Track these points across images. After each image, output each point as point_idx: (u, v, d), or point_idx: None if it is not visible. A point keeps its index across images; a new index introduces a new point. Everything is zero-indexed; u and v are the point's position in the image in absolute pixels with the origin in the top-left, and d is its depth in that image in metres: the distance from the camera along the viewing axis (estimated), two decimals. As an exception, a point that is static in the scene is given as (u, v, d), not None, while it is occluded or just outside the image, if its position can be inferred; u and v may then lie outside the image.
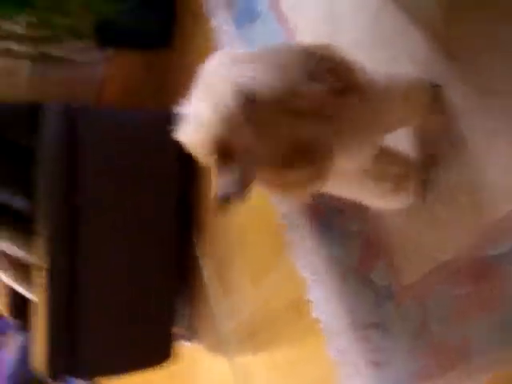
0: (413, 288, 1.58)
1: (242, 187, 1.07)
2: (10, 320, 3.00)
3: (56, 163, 2.27)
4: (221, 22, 2.54)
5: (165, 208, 2.48)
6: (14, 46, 2.61)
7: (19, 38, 2.56)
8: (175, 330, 2.57)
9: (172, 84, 2.89)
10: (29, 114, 2.26)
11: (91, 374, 2.56)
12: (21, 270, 2.57)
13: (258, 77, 1.11)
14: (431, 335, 1.52)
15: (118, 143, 2.37)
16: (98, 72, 3.28)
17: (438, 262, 1.52)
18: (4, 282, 2.74)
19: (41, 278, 2.33)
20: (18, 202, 2.39)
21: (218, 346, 2.46)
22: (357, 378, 1.77)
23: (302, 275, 1.99)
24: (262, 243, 2.21)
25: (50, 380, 2.43)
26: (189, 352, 2.65)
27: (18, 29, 2.48)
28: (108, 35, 2.84)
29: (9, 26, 2.45)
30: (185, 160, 2.50)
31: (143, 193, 2.44)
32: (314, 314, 1.93)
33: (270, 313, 2.15)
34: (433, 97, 1.50)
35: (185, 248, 2.59)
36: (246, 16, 2.40)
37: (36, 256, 2.37)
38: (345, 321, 1.82)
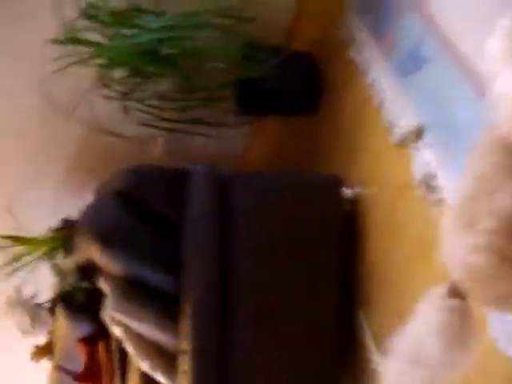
0: None
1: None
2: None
3: (206, 235, 2.04)
4: (378, 76, 2.29)
5: (325, 281, 2.18)
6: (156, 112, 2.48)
7: (162, 100, 2.43)
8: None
9: (320, 150, 2.65)
10: (173, 181, 2.07)
11: None
12: (161, 357, 2.32)
13: None
14: None
15: (274, 211, 2.11)
16: (240, 141, 3.10)
17: None
18: (139, 373, 2.49)
19: (185, 363, 2.07)
20: (162, 281, 2.17)
21: None
22: None
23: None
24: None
25: None
26: None
27: (162, 91, 2.37)
28: (249, 100, 2.68)
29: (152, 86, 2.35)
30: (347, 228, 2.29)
31: (300, 269, 2.15)
32: None
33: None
34: None
35: (348, 327, 2.26)
36: (409, 64, 2.14)
37: (180, 339, 2.12)
38: None
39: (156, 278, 2.20)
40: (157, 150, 2.74)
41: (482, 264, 1.02)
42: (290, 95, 2.74)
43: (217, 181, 2.08)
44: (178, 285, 2.17)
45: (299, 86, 2.70)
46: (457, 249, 1.07)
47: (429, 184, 1.90)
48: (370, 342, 2.20)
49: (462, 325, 1.14)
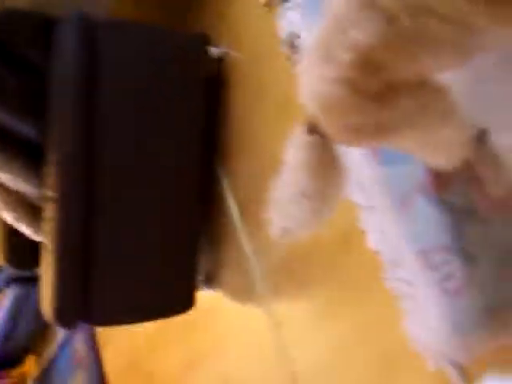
0: (503, 202, 1.39)
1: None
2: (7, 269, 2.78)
3: (73, 83, 2.03)
4: None
5: (188, 137, 2.25)
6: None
7: None
8: (198, 275, 2.36)
9: (190, 6, 2.63)
10: (42, 28, 2.02)
11: (105, 320, 2.33)
12: (26, 207, 2.34)
13: None
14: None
15: (143, 63, 2.13)
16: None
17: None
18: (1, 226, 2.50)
19: (50, 210, 2.10)
20: (26, 129, 2.16)
21: (248, 291, 2.25)
22: (425, 313, 1.57)
23: (351, 200, 1.77)
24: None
25: (58, 324, 2.20)
26: (212, 299, 2.44)
27: None
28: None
29: None
30: (213, 86, 2.35)
31: (166, 120, 2.20)
32: (367, 245, 1.73)
33: (312, 247, 1.94)
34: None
35: (209, 183, 2.36)
36: None
37: (46, 188, 2.14)
38: (410, 247, 1.61)
39: (22, 128, 2.18)
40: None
41: (334, 94, 1.09)
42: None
43: (86, 29, 2.06)
44: (44, 136, 2.17)
45: None
46: (312, 81, 1.14)
47: (293, 43, 1.98)
48: (232, 204, 2.33)
49: (323, 159, 1.23)
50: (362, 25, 1.06)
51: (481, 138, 1.40)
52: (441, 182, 1.50)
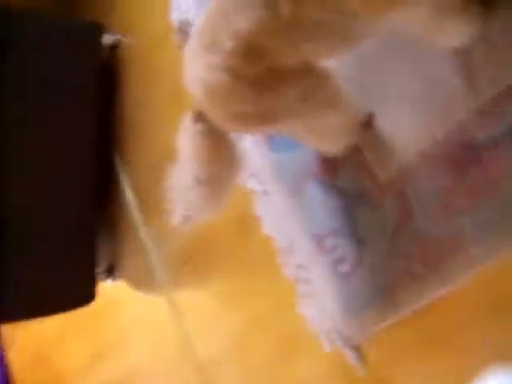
0: (392, 184, 1.42)
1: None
2: None
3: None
4: None
5: (83, 127, 2.20)
6: None
7: None
8: (98, 267, 2.32)
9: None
10: None
11: (4, 317, 2.25)
12: None
13: None
14: (415, 233, 1.37)
15: (37, 52, 2.08)
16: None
17: (418, 150, 1.37)
18: None
19: None
20: None
21: (149, 281, 2.23)
22: (320, 296, 1.60)
23: (245, 186, 1.78)
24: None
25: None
26: (113, 290, 2.41)
27: None
28: None
29: None
30: (107, 74, 2.31)
31: (58, 109, 2.15)
32: (263, 231, 1.75)
33: (207, 234, 1.93)
34: None
35: (106, 173, 2.33)
36: None
37: None
38: (304, 233, 1.64)
39: None
40: None
41: (217, 82, 1.10)
42: None
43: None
44: None
45: None
46: (197, 69, 1.14)
47: (185, 31, 1.98)
48: (130, 194, 2.30)
49: (214, 146, 1.23)
50: (243, 11, 1.07)
51: (367, 123, 1.43)
52: (330, 168, 1.53)
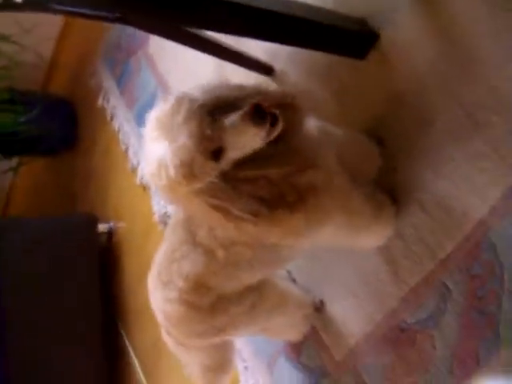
0: (345, 362, 1.62)
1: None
2: None
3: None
4: (123, 123, 2.59)
5: (89, 305, 2.45)
6: None
7: None
8: None
9: (79, 189, 2.89)
10: None
11: None
12: None
13: None
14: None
15: (39, 254, 2.36)
16: (4, 183, 3.25)
17: (362, 332, 1.58)
18: None
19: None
20: None
21: None
22: None
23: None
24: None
25: None
26: None
27: None
28: (11, 145, 2.84)
29: None
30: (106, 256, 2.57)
31: (65, 299, 2.41)
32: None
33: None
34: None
35: (113, 344, 2.54)
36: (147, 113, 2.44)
37: None
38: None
39: None
40: None
41: (176, 312, 1.37)
42: (49, 136, 2.93)
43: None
44: None
45: (55, 130, 2.92)
46: (158, 300, 1.41)
47: (166, 222, 2.23)
48: (134, 360, 2.49)
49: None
50: (189, 257, 1.33)
51: (319, 308, 1.65)
52: (294, 348, 1.73)
